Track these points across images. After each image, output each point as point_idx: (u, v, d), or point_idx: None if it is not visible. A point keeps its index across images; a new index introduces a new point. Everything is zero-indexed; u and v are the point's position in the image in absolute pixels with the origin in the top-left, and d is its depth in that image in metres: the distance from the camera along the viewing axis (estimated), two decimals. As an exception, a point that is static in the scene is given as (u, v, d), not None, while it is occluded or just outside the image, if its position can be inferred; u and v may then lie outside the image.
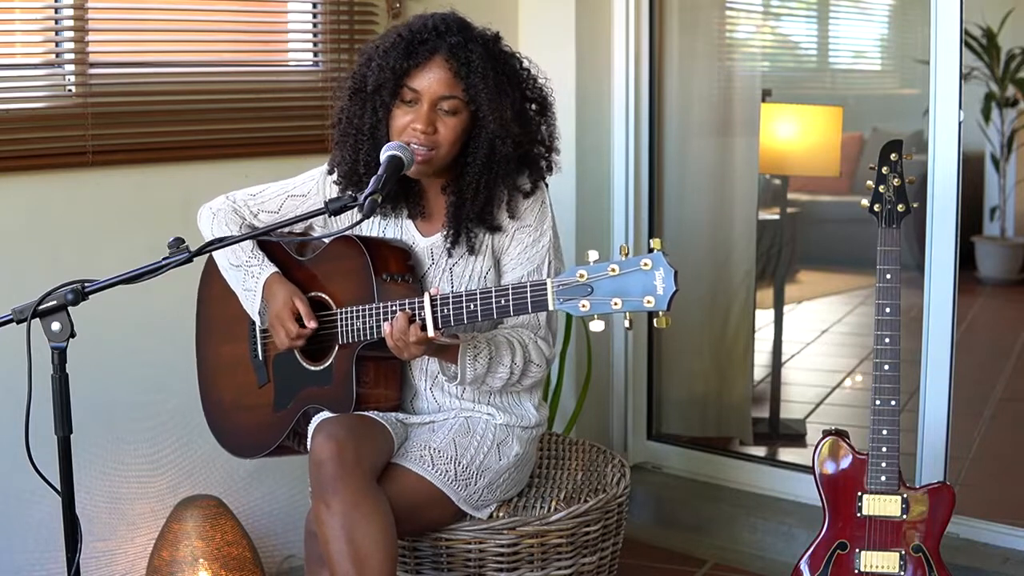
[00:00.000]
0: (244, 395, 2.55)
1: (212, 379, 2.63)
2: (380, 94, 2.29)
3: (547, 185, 2.44)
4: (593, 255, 1.96)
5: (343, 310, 2.32)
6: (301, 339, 2.36)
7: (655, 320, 1.93)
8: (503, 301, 2.08)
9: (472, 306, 2.10)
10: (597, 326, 1.96)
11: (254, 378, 2.52)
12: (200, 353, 2.66)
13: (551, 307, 2.00)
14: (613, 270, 1.93)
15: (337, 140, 2.39)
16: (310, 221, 2.47)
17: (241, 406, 2.56)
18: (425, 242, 2.42)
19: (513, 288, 2.06)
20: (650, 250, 1.93)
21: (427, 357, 2.34)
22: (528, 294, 2.04)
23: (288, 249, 2.49)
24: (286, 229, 2.47)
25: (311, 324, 2.34)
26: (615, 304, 1.93)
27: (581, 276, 1.95)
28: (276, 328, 2.39)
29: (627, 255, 1.94)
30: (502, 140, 2.28)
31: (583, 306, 1.95)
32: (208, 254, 2.36)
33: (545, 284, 2.01)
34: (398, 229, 2.44)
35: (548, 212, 2.42)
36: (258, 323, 2.48)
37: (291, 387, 2.45)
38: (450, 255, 2.38)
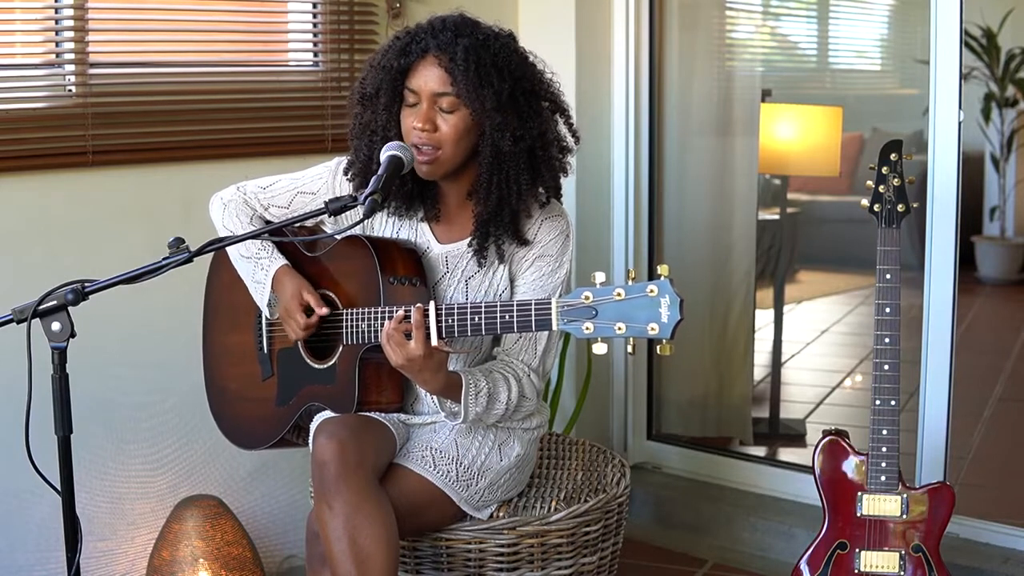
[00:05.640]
0: (248, 386, 2.55)
1: (217, 367, 2.64)
2: (381, 95, 2.29)
3: (561, 199, 2.43)
4: (600, 277, 1.96)
5: (349, 311, 2.32)
6: (310, 328, 2.36)
7: (658, 348, 1.94)
8: (507, 317, 2.08)
9: (477, 319, 2.11)
10: (600, 348, 1.96)
11: (258, 370, 2.52)
12: (207, 340, 2.67)
13: (555, 327, 2.01)
14: (619, 294, 1.93)
15: (353, 145, 2.39)
16: (322, 216, 2.46)
17: (244, 397, 2.56)
18: (441, 248, 2.41)
19: (518, 304, 2.07)
20: (657, 276, 1.93)
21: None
22: (532, 312, 2.05)
23: (298, 245, 2.48)
24: (296, 225, 2.47)
25: (322, 310, 2.34)
26: (619, 329, 1.93)
27: (586, 298, 1.95)
28: (286, 321, 2.39)
29: (633, 279, 1.94)
30: (500, 133, 2.26)
31: (587, 328, 1.95)
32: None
33: (550, 303, 2.01)
34: (413, 232, 2.43)
35: (569, 247, 2.42)
36: (268, 315, 2.47)
37: (294, 383, 2.45)
38: (480, 265, 2.37)
